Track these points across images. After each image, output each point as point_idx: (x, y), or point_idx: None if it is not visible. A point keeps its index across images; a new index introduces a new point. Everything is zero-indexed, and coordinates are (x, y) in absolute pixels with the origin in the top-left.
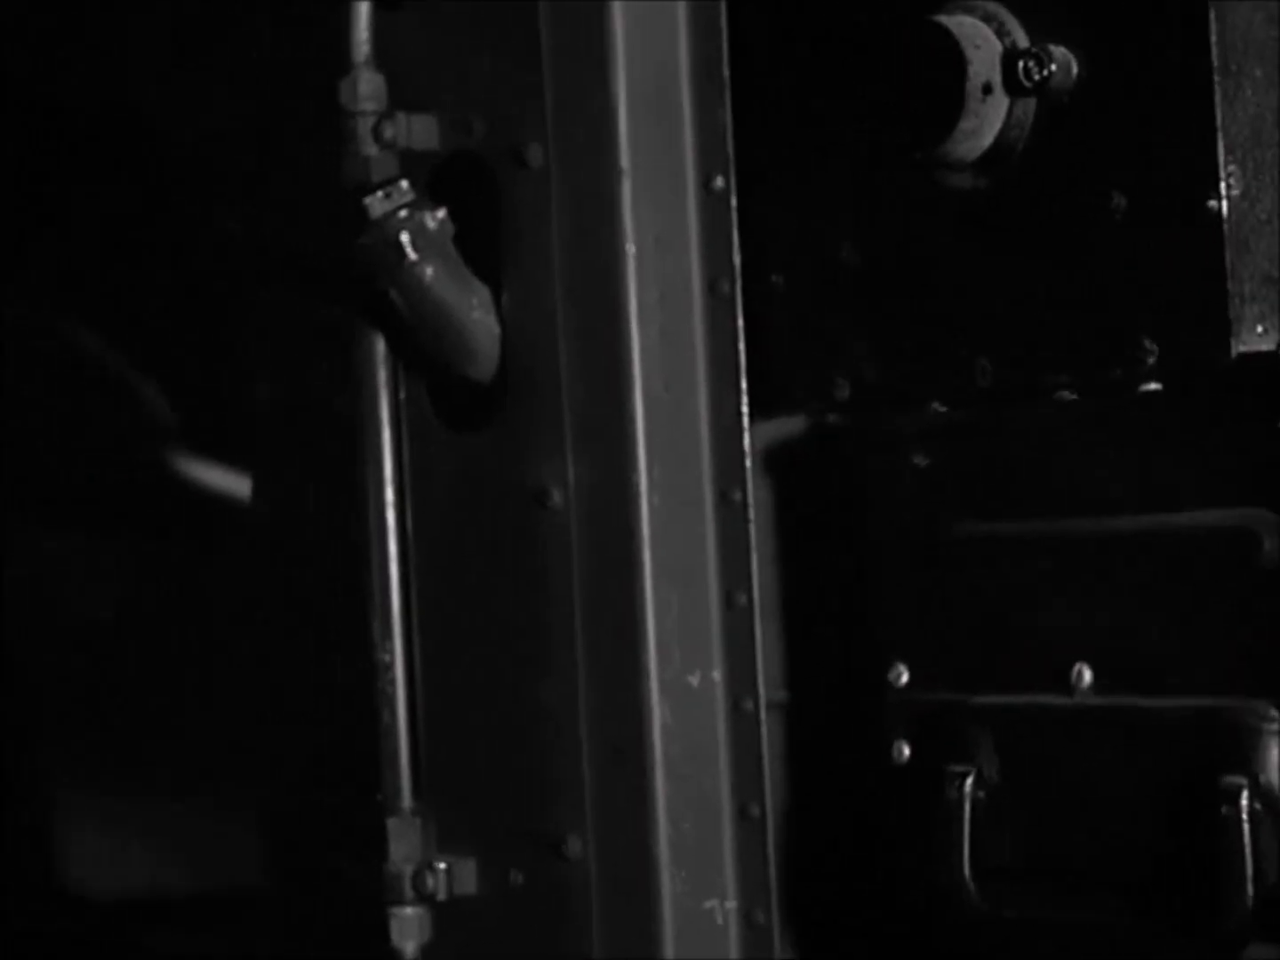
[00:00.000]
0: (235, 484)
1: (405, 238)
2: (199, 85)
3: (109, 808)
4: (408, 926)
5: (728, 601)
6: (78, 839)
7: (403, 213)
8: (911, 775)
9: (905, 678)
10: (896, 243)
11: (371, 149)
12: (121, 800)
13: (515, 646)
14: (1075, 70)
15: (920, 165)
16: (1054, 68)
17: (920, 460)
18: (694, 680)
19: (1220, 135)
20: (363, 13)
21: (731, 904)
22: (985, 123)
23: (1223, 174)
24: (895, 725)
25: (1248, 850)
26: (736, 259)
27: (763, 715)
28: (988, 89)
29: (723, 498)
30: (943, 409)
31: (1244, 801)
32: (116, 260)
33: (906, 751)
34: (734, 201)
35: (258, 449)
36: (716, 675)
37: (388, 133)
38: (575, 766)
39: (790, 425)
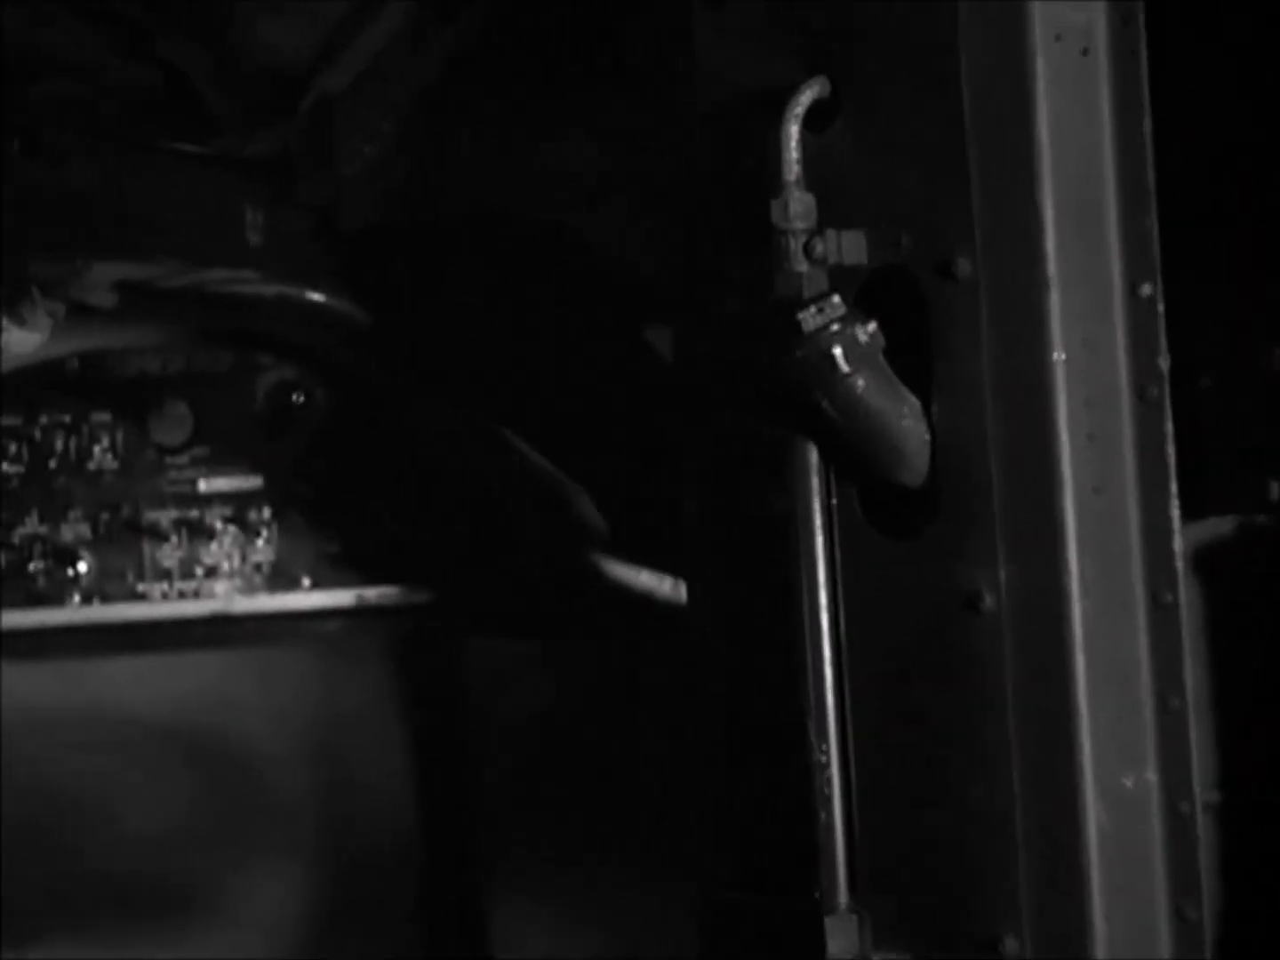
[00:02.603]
0: (668, 588)
1: (838, 351)
2: (631, 206)
3: (545, 900)
4: None
5: (1161, 704)
6: (513, 931)
7: (835, 326)
8: None
9: None
10: None
11: (803, 265)
12: (557, 894)
13: (948, 748)
14: None
15: None
16: None
17: None
18: (1129, 782)
19: None
20: (792, 134)
21: None
22: None
23: None
24: None
25: None
26: (1165, 364)
27: (1199, 817)
28: None
29: (1154, 600)
30: None
31: None
32: (549, 376)
33: None
34: (1161, 308)
35: (690, 554)
36: (1151, 777)
37: (818, 249)
38: (1011, 868)
39: (1221, 526)
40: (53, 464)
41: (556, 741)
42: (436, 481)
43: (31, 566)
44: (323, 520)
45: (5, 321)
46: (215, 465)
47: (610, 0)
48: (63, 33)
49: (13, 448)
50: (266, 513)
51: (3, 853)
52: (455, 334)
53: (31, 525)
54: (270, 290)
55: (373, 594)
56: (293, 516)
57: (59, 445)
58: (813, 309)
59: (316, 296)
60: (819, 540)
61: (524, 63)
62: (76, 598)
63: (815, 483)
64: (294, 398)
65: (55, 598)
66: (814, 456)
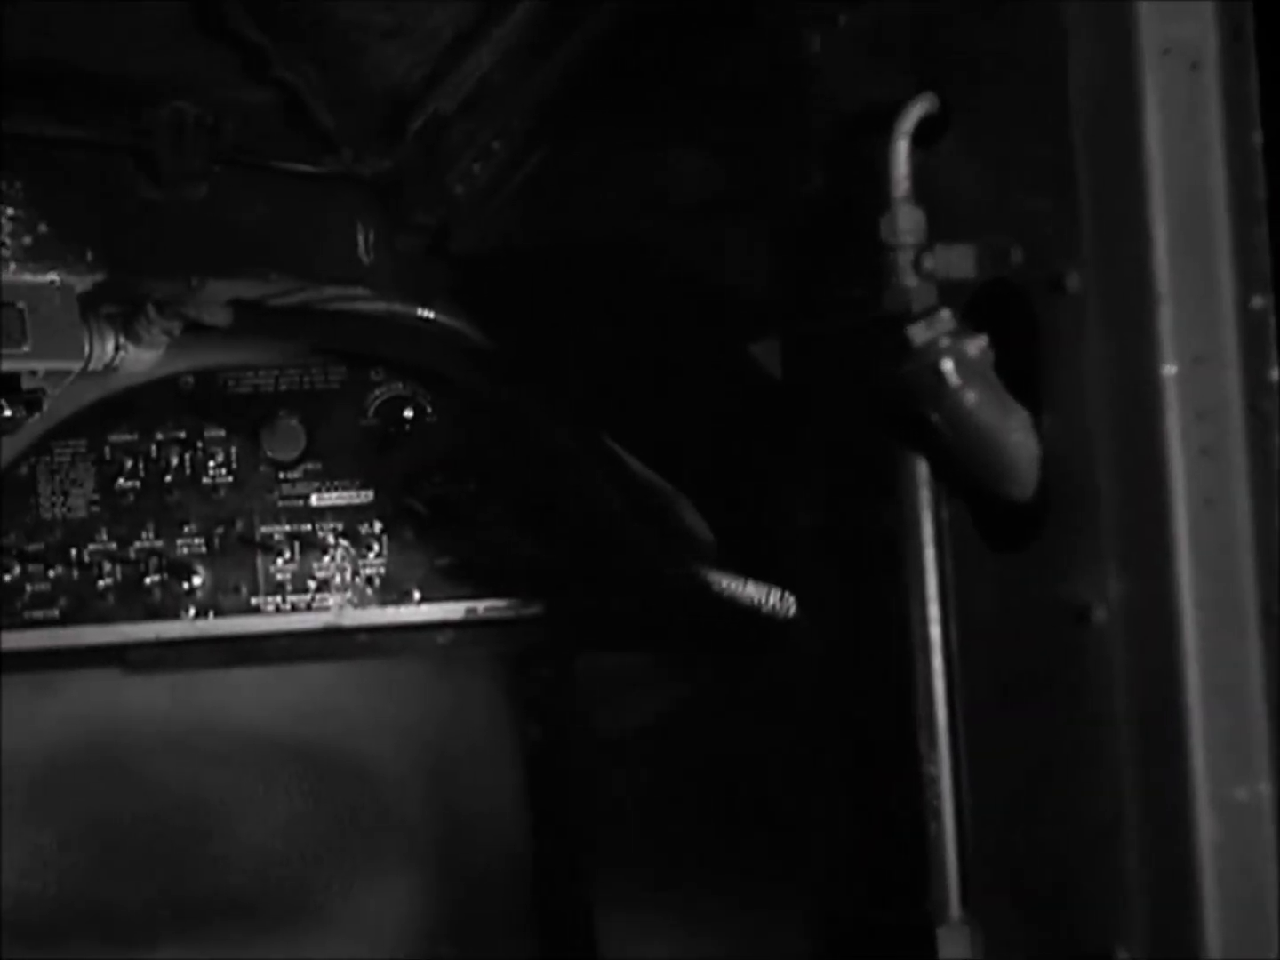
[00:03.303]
0: (775, 601)
1: (947, 365)
2: (740, 223)
3: (657, 913)
4: None
5: (1274, 715)
6: (625, 943)
7: (944, 341)
8: None
9: None
10: None
11: (911, 280)
12: (669, 907)
13: (1059, 761)
14: None
15: None
16: None
17: None
18: (1242, 794)
19: None
20: (901, 150)
21: None
22: None
23: None
24: None
25: None
26: (1276, 376)
27: None
28: None
29: (1266, 612)
30: None
31: None
32: (658, 390)
33: None
34: (1273, 321)
35: (800, 567)
36: (1264, 789)
37: (927, 264)
38: (1123, 880)
39: None
40: (168, 479)
41: (666, 754)
42: (545, 495)
43: (148, 580)
44: (433, 534)
45: (121, 339)
46: (327, 480)
47: (722, 19)
48: (183, 56)
49: (129, 463)
50: (377, 526)
51: (121, 861)
52: (564, 349)
53: (147, 539)
54: (381, 308)
55: (482, 607)
56: (403, 530)
57: (174, 460)
58: (922, 324)
59: (427, 314)
60: (929, 553)
61: (634, 82)
62: (191, 611)
63: (925, 496)
64: (404, 413)
65: (171, 611)
66: (924, 470)
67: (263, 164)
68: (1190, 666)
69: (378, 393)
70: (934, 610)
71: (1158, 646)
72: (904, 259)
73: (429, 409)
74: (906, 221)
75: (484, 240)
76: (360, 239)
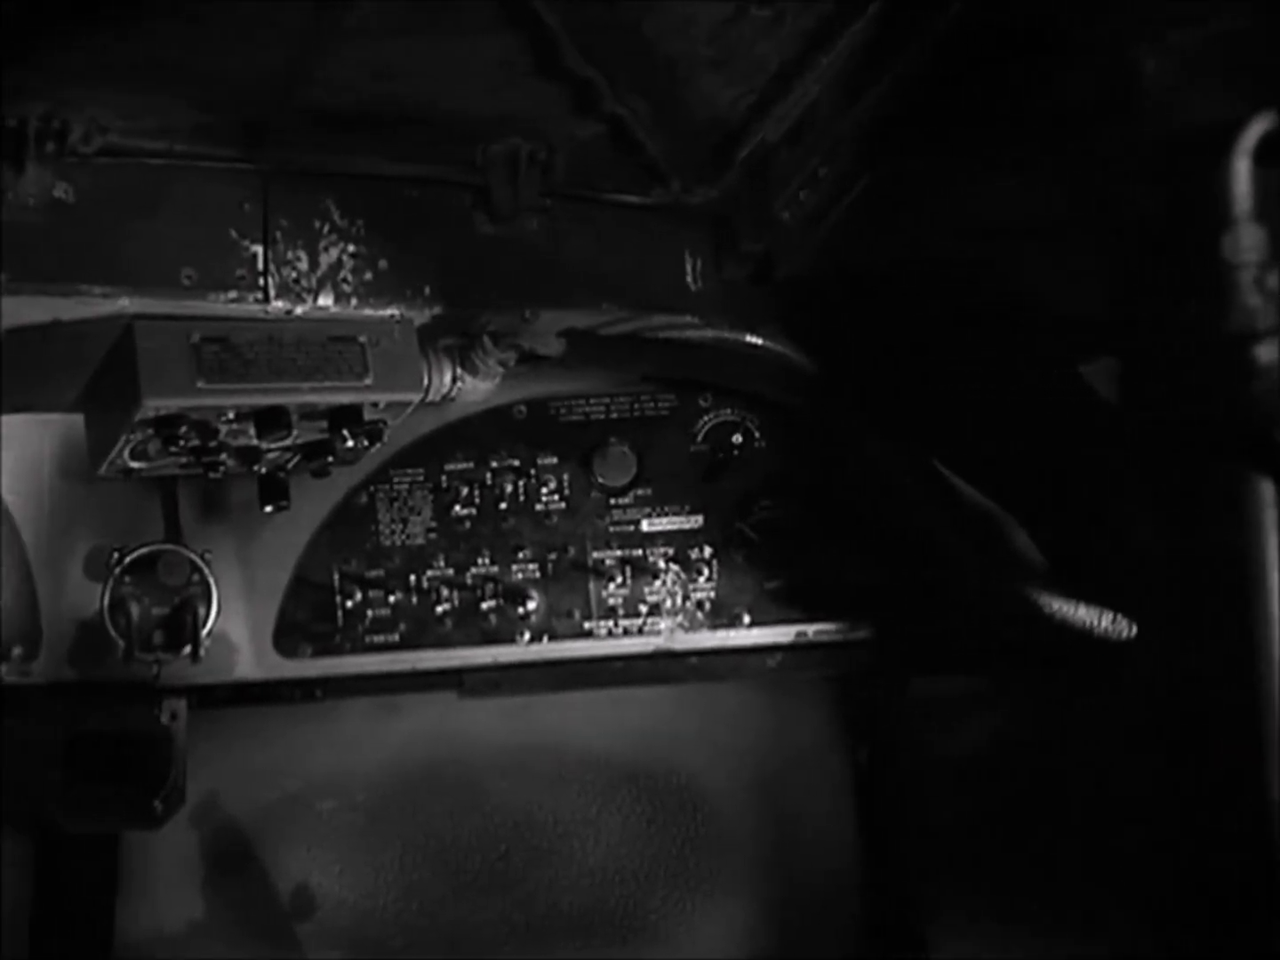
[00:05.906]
0: (1108, 623)
1: None
2: (1070, 245)
3: (989, 942)
4: None
5: None
6: None
7: None
8: None
9: None
10: None
11: (1255, 299)
12: (1002, 935)
13: None
14: None
15: None
16: None
17: None
18: None
19: None
20: (1242, 168)
21: None
22: None
23: None
24: None
25: None
26: None
27: None
28: None
29: None
30: None
31: None
32: (985, 413)
33: None
34: None
35: (1140, 589)
36: None
37: (1271, 282)
38: None
39: None
40: (502, 506)
41: (996, 776)
42: (873, 518)
43: (484, 605)
44: (762, 558)
45: (459, 370)
46: (657, 505)
47: (1047, 43)
48: (517, 94)
49: (465, 491)
50: (707, 551)
51: (459, 880)
52: (890, 373)
53: (483, 565)
54: (710, 335)
55: (812, 630)
56: (733, 555)
57: (508, 488)
58: (1269, 342)
59: (754, 340)
60: (1276, 575)
61: (961, 106)
62: (526, 635)
63: (1273, 517)
64: (733, 438)
65: (506, 635)
66: (1270, 491)
67: (593, 196)
68: None
69: (706, 419)
70: None
71: None
72: (1247, 277)
73: (757, 434)
74: (1249, 239)
75: (811, 266)
76: (688, 267)
